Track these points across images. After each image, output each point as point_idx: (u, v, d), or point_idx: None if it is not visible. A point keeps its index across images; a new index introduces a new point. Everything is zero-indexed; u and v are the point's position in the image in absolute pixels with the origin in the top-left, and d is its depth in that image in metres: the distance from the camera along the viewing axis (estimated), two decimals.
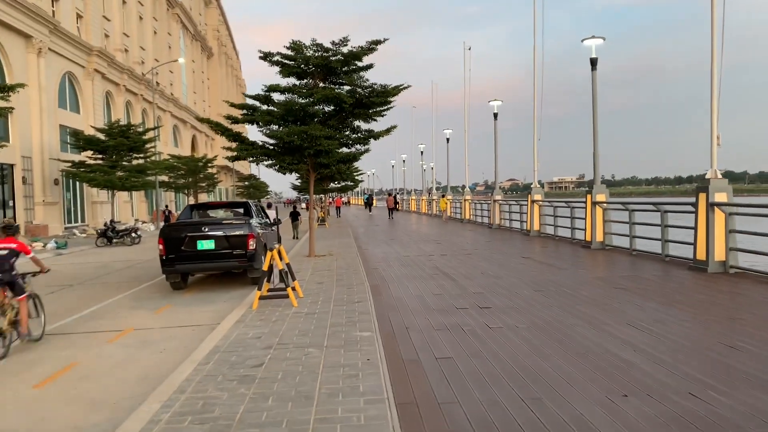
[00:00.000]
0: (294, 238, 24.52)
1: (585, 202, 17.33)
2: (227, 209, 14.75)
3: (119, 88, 44.98)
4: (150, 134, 34.49)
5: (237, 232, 12.15)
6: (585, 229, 17.28)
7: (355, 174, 38.56)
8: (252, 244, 12.15)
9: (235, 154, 15.74)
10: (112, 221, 26.90)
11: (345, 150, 16.14)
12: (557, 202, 21.45)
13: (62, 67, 36.38)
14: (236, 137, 15.62)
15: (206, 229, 12.13)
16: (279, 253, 9.78)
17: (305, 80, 15.19)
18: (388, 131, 16.03)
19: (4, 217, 28.26)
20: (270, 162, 15.69)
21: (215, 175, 54.22)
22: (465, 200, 33.36)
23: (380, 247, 18.58)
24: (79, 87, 38.93)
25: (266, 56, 14.91)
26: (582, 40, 17.82)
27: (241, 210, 14.33)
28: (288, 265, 9.81)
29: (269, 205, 22.47)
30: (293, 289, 9.51)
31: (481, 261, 14.27)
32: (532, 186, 23.20)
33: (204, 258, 11.99)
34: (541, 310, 8.40)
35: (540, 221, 22.01)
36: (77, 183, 34.57)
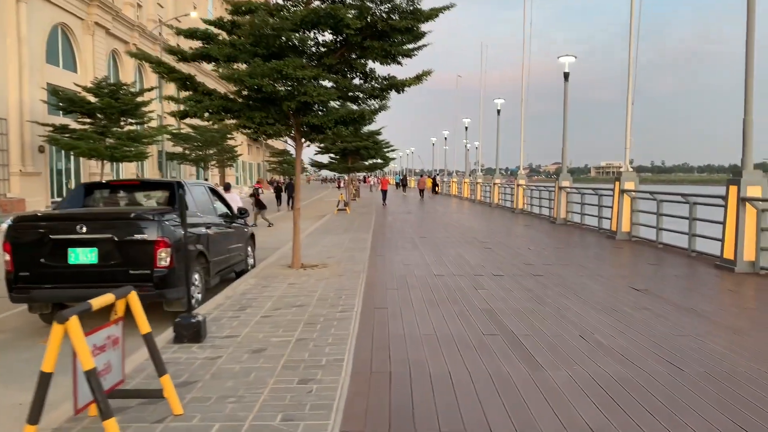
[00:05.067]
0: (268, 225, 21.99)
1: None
2: (144, 192, 9.32)
3: (129, 47, 40.16)
4: (149, 95, 29.36)
5: (137, 236, 6.92)
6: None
7: (385, 149, 32.66)
8: (164, 258, 6.94)
9: (181, 108, 10.39)
10: None
11: (349, 106, 10.58)
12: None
13: (52, 16, 31.93)
14: (186, 83, 10.27)
15: (84, 229, 6.87)
16: (129, 303, 4.34)
17: None
18: (418, 79, 10.49)
19: None
20: (235, 122, 10.33)
21: (235, 148, 49.30)
22: (518, 185, 27.54)
23: (403, 252, 13.02)
24: (75, 42, 34.51)
25: None
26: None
27: (166, 194, 8.91)
28: (153, 349, 4.37)
29: (228, 187, 16.50)
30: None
31: (564, 292, 8.54)
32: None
33: (79, 278, 6.94)
34: None
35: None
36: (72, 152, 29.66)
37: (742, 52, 10.66)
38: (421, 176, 53.83)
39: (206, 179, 53.06)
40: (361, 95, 10.90)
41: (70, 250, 7.21)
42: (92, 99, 27.56)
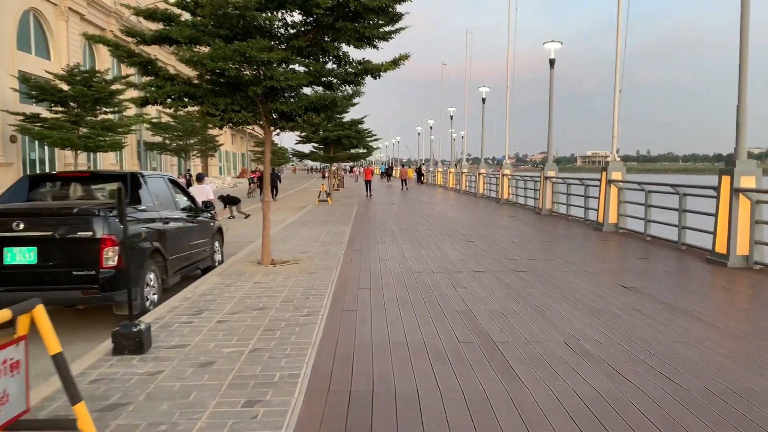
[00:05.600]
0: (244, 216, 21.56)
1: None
2: (95, 185, 8.62)
3: (105, 34, 38.92)
4: (122, 83, 28.35)
5: (81, 234, 6.27)
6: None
7: (368, 138, 31.87)
8: (111, 258, 6.27)
9: (141, 94, 9.71)
10: None
11: (321, 92, 9.94)
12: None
13: (23, 1, 30.38)
14: (147, 67, 9.61)
15: (21, 226, 6.24)
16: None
17: None
18: (395, 63, 9.83)
19: None
20: (198, 108, 9.66)
21: (217, 137, 48.29)
22: (503, 175, 26.99)
23: (381, 246, 12.41)
24: (48, 28, 33.38)
25: None
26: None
27: (118, 187, 8.24)
28: (65, 372, 3.73)
29: (200, 177, 15.52)
30: None
31: (548, 290, 7.97)
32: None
33: (15, 281, 6.32)
34: None
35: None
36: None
37: (729, 42, 10.17)
38: (403, 166, 54.26)
39: (188, 170, 52.08)
40: (334, 81, 10.23)
41: (5, 249, 6.54)
42: (65, 87, 26.60)
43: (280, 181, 37.87)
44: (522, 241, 13.37)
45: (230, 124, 10.17)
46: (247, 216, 21.10)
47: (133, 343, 5.34)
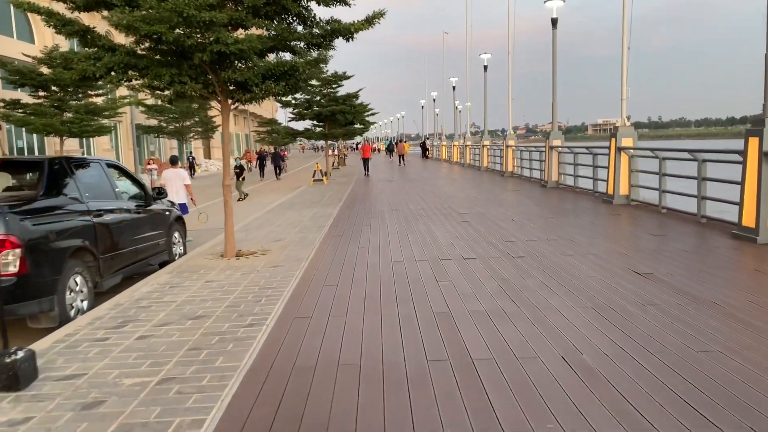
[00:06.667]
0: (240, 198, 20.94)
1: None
2: (12, 174, 7.43)
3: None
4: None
5: None
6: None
7: (364, 113, 30.30)
8: (11, 263, 5.07)
9: (79, 67, 8.50)
10: None
11: (285, 57, 8.70)
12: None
13: None
14: (86, 37, 8.47)
15: None
16: None
17: None
18: (368, 22, 8.56)
19: None
20: (141, 82, 8.44)
21: (213, 119, 46.91)
22: (507, 146, 25.47)
23: (366, 229, 11.15)
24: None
25: None
26: (544, 1, 19.15)
27: (36, 176, 7.07)
28: None
29: (174, 160, 13.59)
30: None
31: (548, 280, 6.72)
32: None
33: None
34: None
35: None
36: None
37: (738, 6, 8.69)
38: (399, 142, 54.28)
39: (191, 152, 50.89)
40: (299, 45, 8.92)
41: None
42: (45, 71, 25.36)
43: (283, 161, 36.71)
44: (523, 218, 12.05)
45: (181, 98, 8.93)
46: (241, 198, 20.26)
47: (5, 378, 4.18)
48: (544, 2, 18.97)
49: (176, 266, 8.41)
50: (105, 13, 8.50)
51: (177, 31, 7.68)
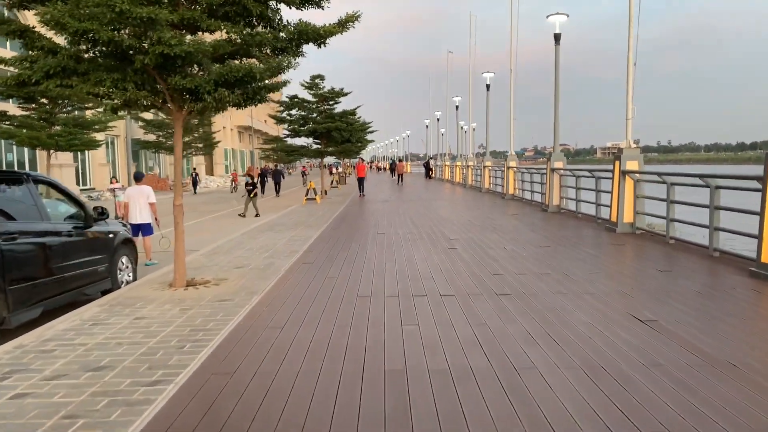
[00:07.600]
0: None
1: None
2: None
3: None
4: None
5: None
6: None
7: (361, 131, 29.36)
8: None
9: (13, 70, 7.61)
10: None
11: (244, 62, 7.75)
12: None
13: None
14: (25, 37, 7.63)
15: None
16: None
17: None
18: (341, 26, 7.62)
19: None
20: (81, 87, 7.51)
21: (214, 134, 46.27)
22: (508, 168, 24.50)
23: (341, 255, 10.10)
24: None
25: None
26: (547, 16, 18.45)
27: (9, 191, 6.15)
28: None
29: (138, 177, 12.66)
30: None
31: (533, 328, 5.65)
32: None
33: None
34: None
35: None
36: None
37: (749, 29, 7.73)
38: (399, 161, 55.07)
39: (194, 169, 50.22)
40: (261, 51, 7.97)
41: None
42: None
43: (283, 177, 36.19)
44: (516, 246, 10.98)
45: (128, 107, 7.98)
46: (257, 215, 19.59)
47: None
48: (547, 17, 18.10)
49: (113, 297, 7.36)
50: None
51: (116, 31, 6.77)
